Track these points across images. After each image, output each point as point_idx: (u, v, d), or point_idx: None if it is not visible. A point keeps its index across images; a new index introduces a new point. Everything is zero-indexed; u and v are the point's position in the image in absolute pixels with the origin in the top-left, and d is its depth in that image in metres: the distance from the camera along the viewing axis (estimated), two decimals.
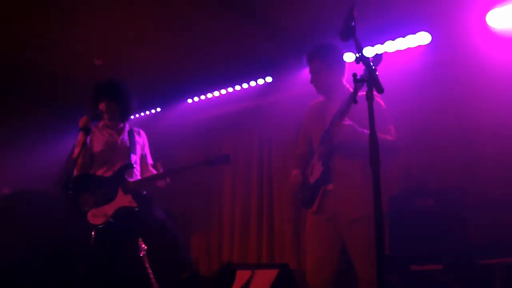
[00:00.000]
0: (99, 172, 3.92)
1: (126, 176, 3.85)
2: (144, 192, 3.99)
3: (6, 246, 5.80)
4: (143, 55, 5.61)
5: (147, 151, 4.20)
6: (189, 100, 6.36)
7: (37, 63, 5.82)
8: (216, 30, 5.06)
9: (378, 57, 2.58)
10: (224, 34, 5.12)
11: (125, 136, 4.06)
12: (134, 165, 3.94)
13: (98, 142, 4.00)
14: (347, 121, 2.96)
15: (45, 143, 6.90)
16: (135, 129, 4.20)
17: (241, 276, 4.96)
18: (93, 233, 3.67)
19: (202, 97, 6.31)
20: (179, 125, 6.50)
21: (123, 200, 3.75)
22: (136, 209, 3.75)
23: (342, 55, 3.39)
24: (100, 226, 3.67)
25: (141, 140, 4.15)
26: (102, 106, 3.97)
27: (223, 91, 6.13)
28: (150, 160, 4.19)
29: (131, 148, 3.99)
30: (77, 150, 3.78)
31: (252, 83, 5.86)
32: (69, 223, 3.30)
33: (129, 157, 3.94)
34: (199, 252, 6.43)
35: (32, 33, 5.14)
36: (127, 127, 4.15)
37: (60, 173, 6.82)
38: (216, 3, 4.63)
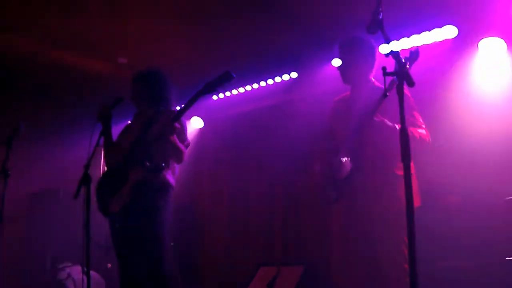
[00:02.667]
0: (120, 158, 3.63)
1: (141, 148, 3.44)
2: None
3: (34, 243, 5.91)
4: (168, 53, 5.64)
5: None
6: (214, 97, 6.38)
7: (60, 61, 5.89)
8: (240, 26, 5.06)
9: (415, 53, 2.55)
10: (248, 30, 5.12)
11: (143, 120, 3.72)
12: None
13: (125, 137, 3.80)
14: (378, 117, 2.94)
15: (72, 142, 6.98)
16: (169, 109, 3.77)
17: (267, 273, 4.97)
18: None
19: (228, 93, 6.32)
20: (206, 122, 6.53)
21: (132, 176, 3.40)
22: (146, 177, 3.36)
23: (375, 50, 3.37)
24: (119, 212, 3.39)
25: (163, 119, 3.56)
26: (132, 90, 3.82)
27: (248, 87, 6.13)
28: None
29: (146, 128, 3.61)
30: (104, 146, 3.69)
31: (277, 79, 5.86)
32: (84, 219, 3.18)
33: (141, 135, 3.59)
34: (224, 249, 6.44)
35: (57, 30, 5.19)
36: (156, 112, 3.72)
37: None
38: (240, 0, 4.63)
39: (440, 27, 4.65)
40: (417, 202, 3.06)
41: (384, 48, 4.77)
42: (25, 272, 6.01)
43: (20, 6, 4.71)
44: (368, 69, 3.33)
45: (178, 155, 3.47)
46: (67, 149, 6.82)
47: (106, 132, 3.68)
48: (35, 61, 5.89)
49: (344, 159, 3.19)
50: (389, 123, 2.94)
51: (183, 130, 3.58)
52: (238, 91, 6.25)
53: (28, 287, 5.73)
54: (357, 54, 3.29)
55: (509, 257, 3.74)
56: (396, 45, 4.78)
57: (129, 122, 4.01)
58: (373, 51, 3.36)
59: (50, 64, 5.97)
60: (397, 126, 2.87)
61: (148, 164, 3.27)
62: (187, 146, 3.57)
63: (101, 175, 3.69)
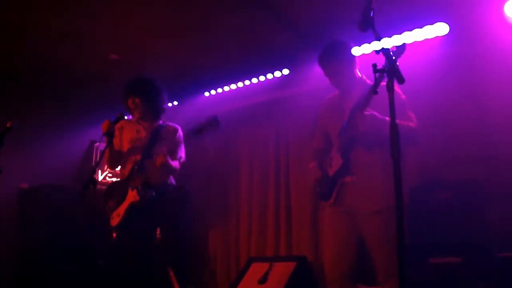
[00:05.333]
0: (126, 171, 4.08)
1: (140, 172, 3.94)
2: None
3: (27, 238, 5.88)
4: (160, 49, 5.62)
5: (176, 148, 4.20)
6: (206, 93, 6.37)
7: (52, 57, 5.85)
8: (232, 23, 5.05)
9: (401, 48, 2.57)
10: (240, 26, 5.11)
11: (149, 133, 4.14)
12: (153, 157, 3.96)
13: (125, 140, 4.18)
14: (368, 111, 2.97)
15: (60, 138, 6.95)
16: (168, 124, 4.29)
17: (259, 268, 4.97)
18: (113, 234, 3.96)
19: (219, 90, 6.32)
20: (197, 119, 6.49)
21: (129, 197, 3.89)
22: (138, 202, 3.84)
23: (350, 50, 3.41)
24: (116, 227, 3.93)
25: (170, 136, 4.19)
26: (129, 102, 4.15)
27: (240, 84, 6.14)
28: (179, 155, 4.22)
29: (150, 145, 4.05)
30: (106, 155, 4.09)
31: (269, 76, 5.86)
32: (88, 218, 3.50)
33: (145, 154, 4.03)
34: (216, 245, 6.44)
35: (48, 26, 5.14)
36: (158, 123, 4.24)
37: (76, 171, 6.92)
38: None
39: (432, 24, 4.67)
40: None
41: (375, 46, 4.79)
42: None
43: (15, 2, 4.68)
44: (352, 69, 3.37)
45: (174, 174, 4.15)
46: (55, 146, 6.80)
47: (110, 145, 4.03)
48: (21, 55, 5.85)
49: (335, 155, 3.21)
50: (379, 116, 2.96)
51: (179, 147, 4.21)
52: (229, 88, 6.24)
53: None
54: (336, 62, 3.33)
55: (500, 253, 3.77)
56: (387, 43, 4.79)
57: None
58: (349, 51, 3.41)
59: (37, 59, 5.93)
60: (387, 119, 2.89)
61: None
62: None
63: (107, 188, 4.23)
